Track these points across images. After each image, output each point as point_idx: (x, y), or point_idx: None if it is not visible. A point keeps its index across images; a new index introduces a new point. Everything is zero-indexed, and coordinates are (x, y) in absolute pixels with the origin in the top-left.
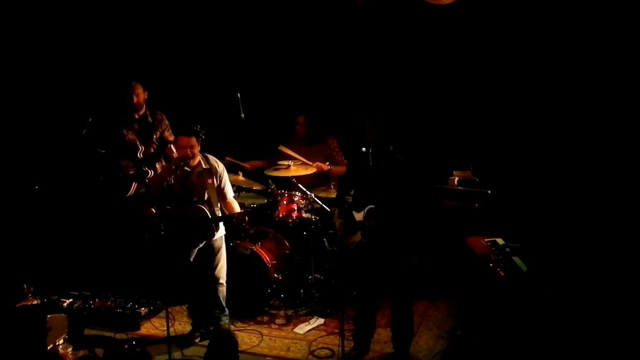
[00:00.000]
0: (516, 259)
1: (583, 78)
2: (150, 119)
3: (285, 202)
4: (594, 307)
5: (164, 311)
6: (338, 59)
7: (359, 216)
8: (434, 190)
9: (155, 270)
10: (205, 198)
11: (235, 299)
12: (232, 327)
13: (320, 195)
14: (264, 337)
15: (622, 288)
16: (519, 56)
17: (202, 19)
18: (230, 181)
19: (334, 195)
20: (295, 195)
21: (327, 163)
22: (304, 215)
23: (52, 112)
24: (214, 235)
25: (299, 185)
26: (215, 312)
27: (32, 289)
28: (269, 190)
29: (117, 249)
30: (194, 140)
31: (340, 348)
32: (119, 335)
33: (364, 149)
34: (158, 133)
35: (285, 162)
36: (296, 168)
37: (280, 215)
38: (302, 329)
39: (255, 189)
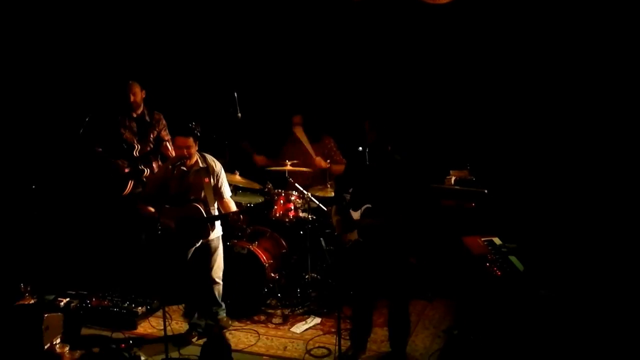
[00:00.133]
0: (513, 259)
1: (579, 78)
2: (147, 118)
3: (282, 201)
4: (591, 307)
5: (161, 310)
6: (334, 59)
7: (355, 215)
8: (430, 189)
9: (152, 269)
10: (202, 197)
11: (232, 298)
12: (231, 323)
13: (317, 194)
14: (260, 336)
15: (618, 287)
16: (515, 56)
17: (200, 19)
18: (227, 180)
19: (330, 194)
20: (292, 194)
21: (328, 161)
22: (301, 214)
23: (49, 111)
24: (209, 234)
25: (296, 184)
26: (213, 308)
27: (29, 288)
28: (266, 189)
29: (114, 248)
30: (191, 140)
31: (337, 347)
32: (116, 335)
33: (360, 148)
34: (155, 132)
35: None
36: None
37: (277, 215)
38: (299, 328)
39: (252, 189)
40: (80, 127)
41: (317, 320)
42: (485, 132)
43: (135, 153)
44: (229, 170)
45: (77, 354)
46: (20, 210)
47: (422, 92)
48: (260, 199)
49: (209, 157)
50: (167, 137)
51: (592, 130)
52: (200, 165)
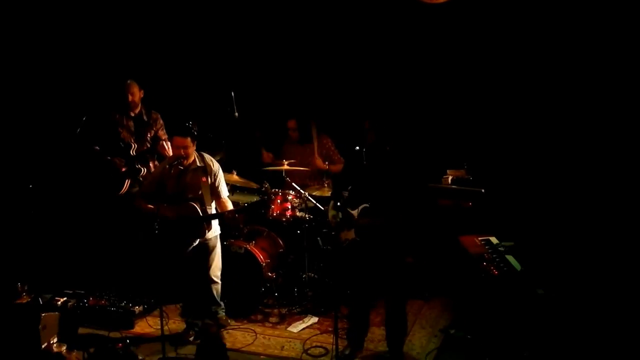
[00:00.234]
0: (510, 258)
1: (576, 77)
2: (145, 117)
3: (279, 200)
4: (588, 306)
5: (158, 309)
6: (333, 58)
7: (353, 214)
8: (428, 189)
9: (150, 268)
10: (199, 196)
11: (229, 297)
12: (230, 321)
13: (314, 194)
14: (258, 335)
15: (616, 286)
16: (513, 55)
17: (198, 19)
18: (225, 180)
19: (327, 194)
20: (289, 194)
21: (326, 163)
22: (298, 214)
23: (47, 110)
24: (205, 233)
25: (293, 184)
26: (212, 307)
27: (26, 288)
28: (263, 189)
29: (111, 247)
30: (188, 140)
31: (334, 346)
32: (113, 334)
33: (357, 147)
34: (152, 132)
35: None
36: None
37: (274, 214)
38: (296, 327)
39: (249, 188)
40: (78, 126)
41: (314, 319)
42: (482, 132)
43: (132, 152)
44: (226, 169)
45: (74, 353)
46: (17, 209)
47: (420, 91)
48: (257, 199)
49: (207, 157)
50: (165, 137)
51: (588, 129)
52: (198, 164)
